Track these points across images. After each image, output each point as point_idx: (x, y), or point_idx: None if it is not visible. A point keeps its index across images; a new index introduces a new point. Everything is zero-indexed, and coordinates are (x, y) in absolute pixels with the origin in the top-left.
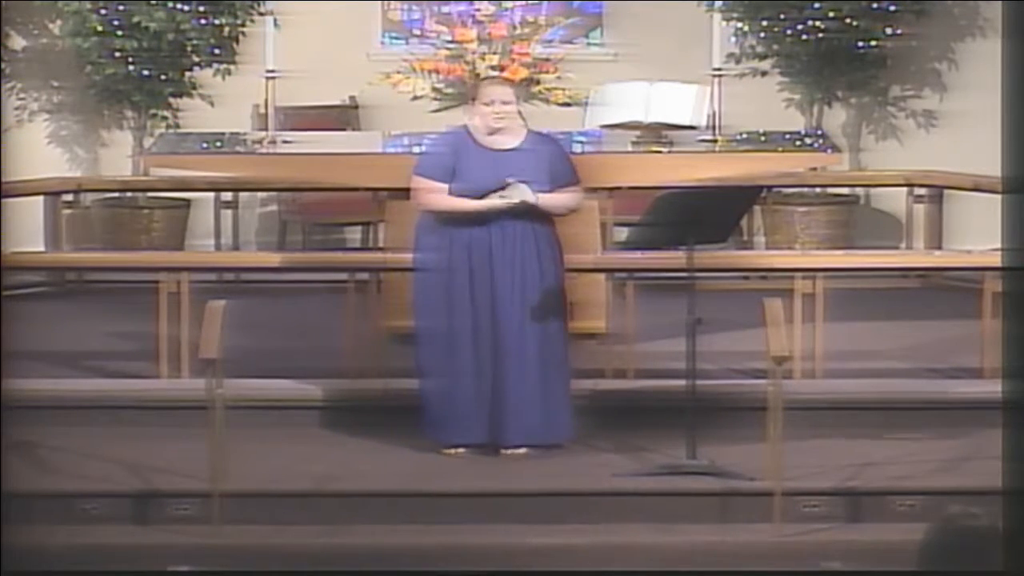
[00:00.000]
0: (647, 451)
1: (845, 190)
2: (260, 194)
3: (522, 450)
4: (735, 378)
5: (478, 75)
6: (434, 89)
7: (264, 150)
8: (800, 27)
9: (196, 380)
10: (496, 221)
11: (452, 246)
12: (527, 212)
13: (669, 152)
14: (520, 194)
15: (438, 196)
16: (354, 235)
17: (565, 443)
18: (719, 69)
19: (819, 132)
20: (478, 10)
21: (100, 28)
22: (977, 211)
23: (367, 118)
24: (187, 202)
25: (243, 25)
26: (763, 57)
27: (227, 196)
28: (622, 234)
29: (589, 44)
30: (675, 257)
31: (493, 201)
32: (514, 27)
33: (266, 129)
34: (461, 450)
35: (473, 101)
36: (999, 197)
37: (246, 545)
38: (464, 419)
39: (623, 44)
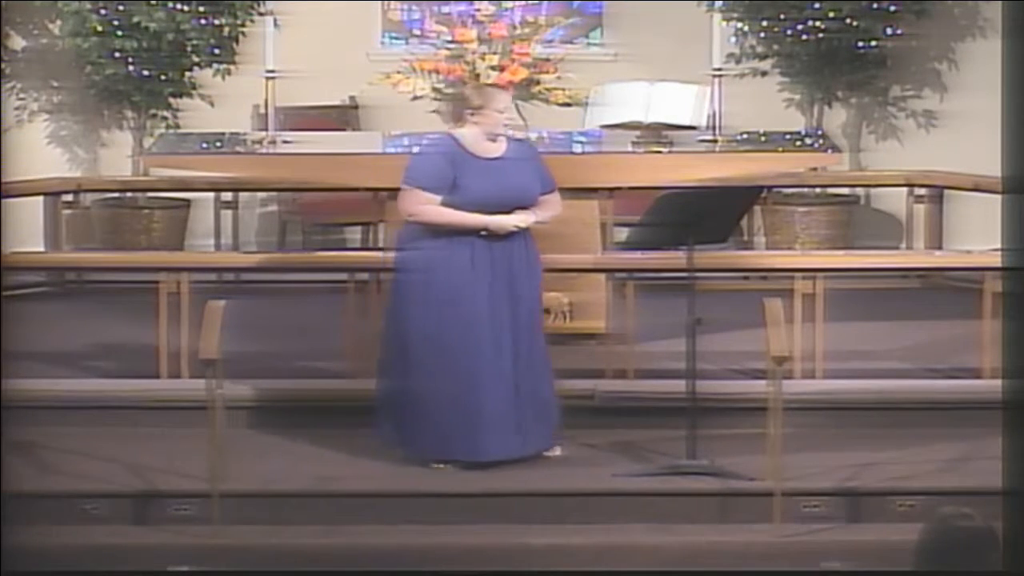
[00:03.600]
0: (647, 451)
1: (845, 190)
2: (260, 194)
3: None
4: (735, 378)
5: (478, 75)
6: (434, 89)
7: (264, 150)
8: (800, 27)
9: (196, 380)
10: (480, 232)
11: (435, 257)
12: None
13: (669, 152)
14: (522, 219)
15: (437, 209)
16: (354, 235)
17: (545, 453)
18: (719, 69)
19: (819, 132)
20: (478, 10)
21: (100, 28)
22: (977, 211)
23: (367, 118)
24: (187, 202)
25: (243, 25)
26: (763, 57)
27: (227, 196)
28: (622, 234)
29: (589, 44)
30: (675, 257)
31: (499, 219)
32: (514, 27)
33: (266, 129)
34: (442, 465)
35: (479, 108)
36: (999, 197)
37: (246, 545)
38: (442, 433)
39: (623, 44)
